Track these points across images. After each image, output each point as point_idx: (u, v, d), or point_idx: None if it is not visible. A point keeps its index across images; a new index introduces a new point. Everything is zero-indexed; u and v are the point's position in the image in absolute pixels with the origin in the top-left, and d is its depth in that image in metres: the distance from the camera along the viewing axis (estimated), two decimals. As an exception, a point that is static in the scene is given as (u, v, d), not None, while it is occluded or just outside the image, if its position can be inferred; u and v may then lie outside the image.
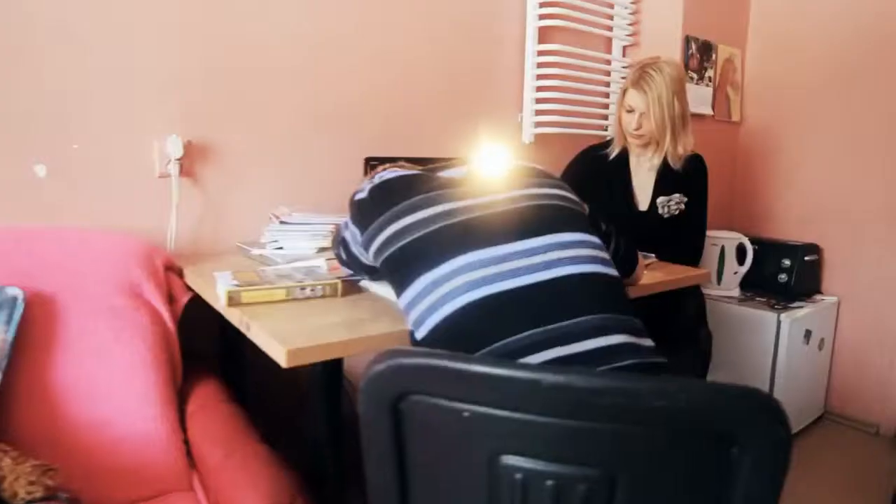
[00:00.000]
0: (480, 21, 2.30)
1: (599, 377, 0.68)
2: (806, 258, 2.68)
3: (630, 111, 2.07)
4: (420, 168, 1.32)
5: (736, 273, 2.73)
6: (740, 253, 2.72)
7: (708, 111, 2.78)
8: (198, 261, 1.65)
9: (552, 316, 0.96)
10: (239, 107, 1.80)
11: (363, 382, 0.82)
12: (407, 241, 1.06)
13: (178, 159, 1.69)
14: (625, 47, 2.77)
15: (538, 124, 2.47)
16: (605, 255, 1.09)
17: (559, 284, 1.00)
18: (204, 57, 1.72)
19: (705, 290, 2.71)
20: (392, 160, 1.58)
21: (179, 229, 1.72)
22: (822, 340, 2.69)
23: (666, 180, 2.16)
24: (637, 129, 2.06)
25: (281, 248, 1.69)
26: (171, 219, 1.71)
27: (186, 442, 1.37)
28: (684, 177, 2.14)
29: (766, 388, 2.52)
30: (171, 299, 1.54)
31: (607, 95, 2.73)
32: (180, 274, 1.58)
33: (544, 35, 2.46)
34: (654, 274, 1.74)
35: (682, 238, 2.15)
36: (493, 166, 1.23)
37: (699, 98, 2.73)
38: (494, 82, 2.37)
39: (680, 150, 2.10)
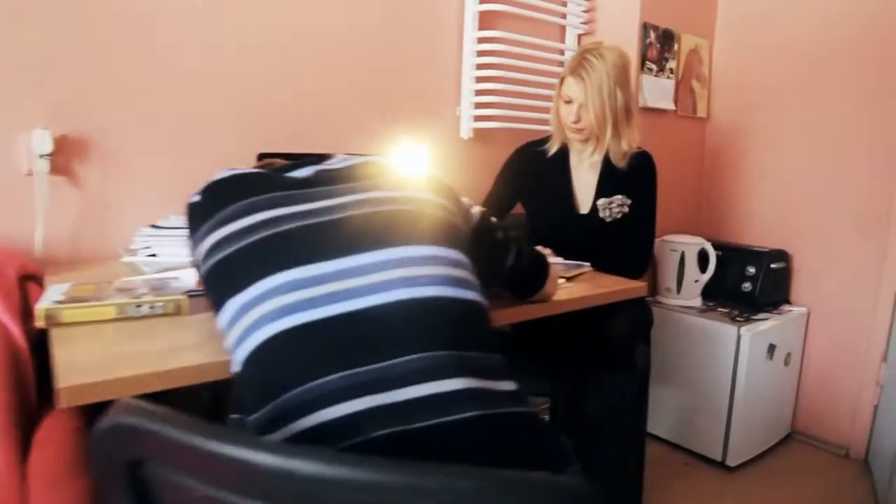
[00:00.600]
0: (412, 2, 2.08)
1: (336, 463, 0.47)
2: (772, 266, 2.48)
3: (568, 102, 1.86)
4: (275, 166, 1.10)
5: (697, 281, 2.52)
6: (702, 259, 2.52)
7: (669, 105, 2.57)
8: (72, 269, 1.45)
9: (367, 354, 0.75)
10: (126, 96, 1.59)
11: (89, 440, 0.62)
12: (223, 255, 0.85)
13: (48, 155, 1.48)
14: (580, 35, 2.56)
15: (478, 118, 2.26)
16: (462, 273, 0.87)
17: (382, 313, 0.78)
18: (80, 36, 1.51)
19: (663, 300, 2.52)
20: (292, 157, 1.37)
21: (49, 233, 1.51)
22: (788, 355, 2.48)
23: (609, 180, 1.96)
24: (576, 123, 1.86)
25: (154, 255, 1.48)
26: (38, 221, 1.50)
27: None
28: (629, 176, 1.93)
29: (724, 406, 2.32)
30: (28, 312, 1.34)
31: (561, 88, 2.52)
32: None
33: (487, 20, 2.25)
34: (578, 287, 1.53)
35: (626, 244, 1.95)
36: (353, 163, 1.01)
37: (659, 91, 2.52)
38: (428, 71, 2.16)
39: (624, 146, 1.90)
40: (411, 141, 1.99)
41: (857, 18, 2.39)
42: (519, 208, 2.08)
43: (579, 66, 1.83)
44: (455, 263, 0.88)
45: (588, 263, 1.76)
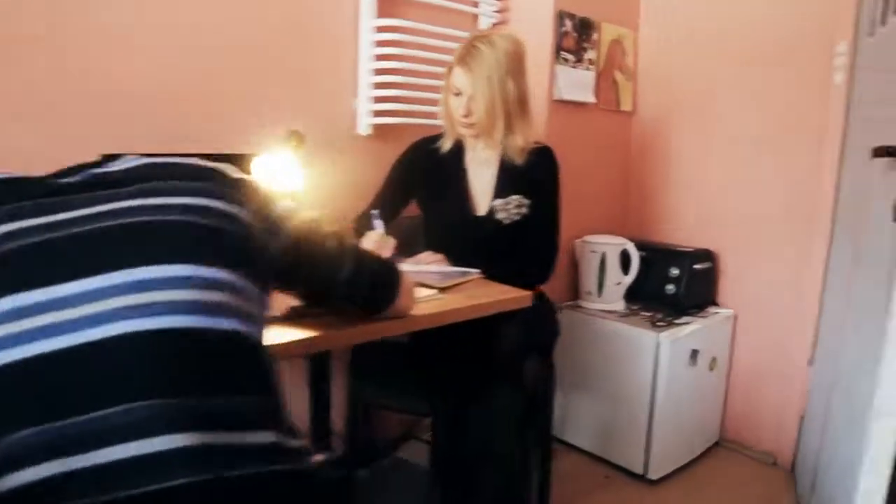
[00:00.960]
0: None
1: None
2: (696, 266, 2.36)
3: (458, 94, 1.72)
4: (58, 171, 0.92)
5: (619, 284, 2.40)
6: (625, 261, 2.39)
7: (589, 98, 2.44)
8: None
9: (67, 404, 0.60)
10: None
11: None
12: None
13: None
14: (494, 25, 2.41)
15: (378, 113, 2.10)
16: (221, 297, 0.71)
17: (95, 352, 0.62)
18: None
19: (584, 304, 2.39)
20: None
21: None
22: (713, 360, 2.37)
23: (506, 179, 1.81)
24: (466, 116, 1.71)
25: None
26: None
27: None
28: (527, 174, 1.79)
29: (644, 416, 2.19)
30: None
31: (475, 80, 2.37)
32: None
33: (387, 8, 2.08)
34: (455, 298, 1.38)
35: (527, 248, 1.81)
36: (132, 166, 0.85)
37: (578, 83, 2.39)
38: (320, 61, 1.99)
39: (519, 141, 1.76)
40: (300, 139, 1.82)
41: (786, 10, 2.27)
42: (415, 210, 1.93)
43: (467, 54, 1.69)
44: (213, 285, 0.71)
45: (477, 270, 1.62)
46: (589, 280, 2.40)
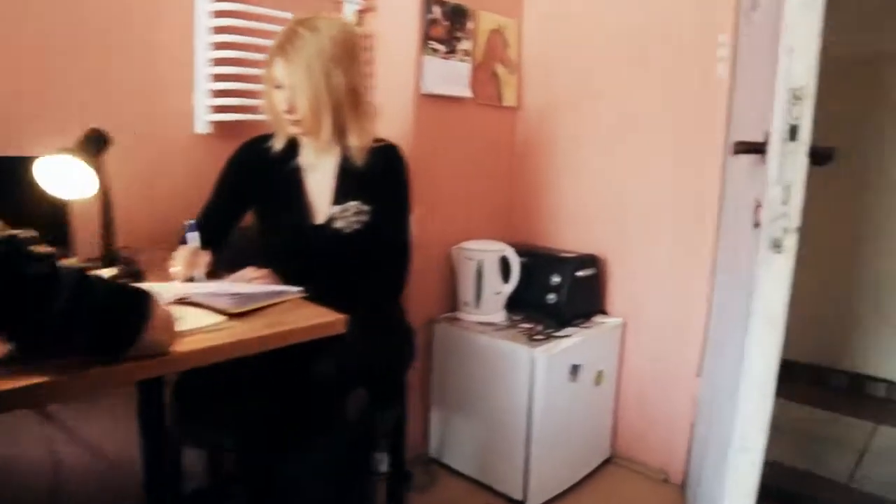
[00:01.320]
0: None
1: None
2: (578, 273, 2.19)
3: (280, 87, 1.49)
4: None
5: (499, 294, 2.21)
6: (505, 268, 2.21)
7: (465, 93, 2.24)
8: None
9: None
10: None
11: None
12: None
13: None
14: (359, 12, 2.19)
15: (218, 109, 1.84)
16: None
17: None
18: None
19: (462, 316, 2.19)
20: None
21: None
22: (599, 374, 2.21)
23: (346, 182, 1.60)
24: (290, 112, 1.49)
25: None
26: None
27: None
28: (368, 176, 1.58)
29: (521, 439, 2.01)
30: None
31: (340, 72, 2.15)
32: None
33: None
34: (250, 327, 1.15)
35: (372, 260, 1.60)
36: None
37: (450, 76, 2.19)
38: (149, 52, 1.72)
39: (354, 140, 1.55)
40: (101, 139, 1.56)
41: (673, 1, 2.14)
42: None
43: (286, 41, 1.46)
44: None
45: (298, 289, 1.39)
46: (466, 290, 2.21)
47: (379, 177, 1.59)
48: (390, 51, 2.16)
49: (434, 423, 2.30)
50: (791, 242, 1.19)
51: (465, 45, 2.22)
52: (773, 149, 1.18)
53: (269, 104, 1.55)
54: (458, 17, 2.19)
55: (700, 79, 2.08)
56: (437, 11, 2.11)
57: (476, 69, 2.29)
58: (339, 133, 1.53)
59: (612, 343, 2.29)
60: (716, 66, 2.06)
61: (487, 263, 2.18)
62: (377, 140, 1.62)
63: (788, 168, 1.19)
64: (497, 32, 2.36)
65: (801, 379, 3.19)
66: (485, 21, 2.30)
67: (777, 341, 1.20)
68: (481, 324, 2.18)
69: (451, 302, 2.29)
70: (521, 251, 2.24)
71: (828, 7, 1.14)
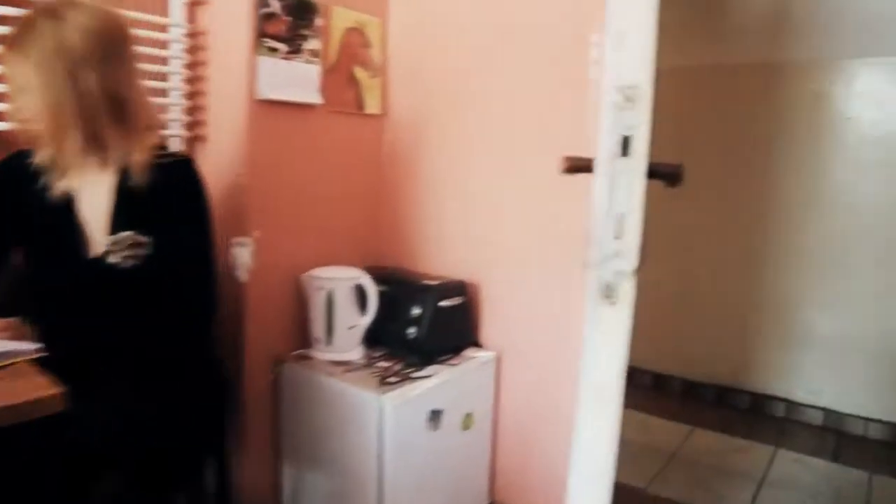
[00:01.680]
0: None
1: None
2: (443, 303, 1.94)
3: (22, 90, 1.18)
4: None
5: (354, 328, 1.94)
6: (361, 298, 1.94)
7: (314, 99, 1.96)
8: None
9: None
10: None
11: None
12: None
13: None
14: (189, 5, 1.89)
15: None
16: None
17: None
18: None
19: (314, 355, 1.91)
20: None
21: None
22: (468, 416, 1.96)
23: (124, 207, 1.30)
24: (29, 121, 1.18)
25: None
26: None
27: None
28: (150, 199, 1.29)
29: (373, 495, 1.74)
30: None
31: (165, 77, 1.84)
32: None
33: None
34: None
35: (167, 297, 1.31)
36: None
37: (294, 80, 1.91)
38: None
39: (125, 156, 1.25)
40: None
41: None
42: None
43: (23, 33, 1.16)
44: None
45: (33, 348, 1.09)
46: (317, 324, 1.92)
47: (166, 198, 1.30)
48: (220, 51, 1.87)
49: (287, 478, 2.00)
50: (627, 289, 0.97)
51: (312, 44, 1.95)
52: (601, 168, 0.95)
53: (15, 110, 1.24)
54: (303, 12, 1.91)
55: (575, 82, 1.87)
56: (275, 5, 1.83)
57: (329, 72, 2.01)
58: (98, 149, 1.23)
59: (485, 379, 2.04)
60: (588, 68, 1.85)
61: (339, 293, 1.90)
62: (165, 155, 1.33)
63: (622, 192, 0.96)
64: (355, 31, 2.10)
65: (705, 399, 3.07)
66: (339, 17, 2.03)
67: (613, 417, 0.98)
68: (334, 363, 1.90)
69: (304, 338, 2.00)
70: (382, 278, 1.98)
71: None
